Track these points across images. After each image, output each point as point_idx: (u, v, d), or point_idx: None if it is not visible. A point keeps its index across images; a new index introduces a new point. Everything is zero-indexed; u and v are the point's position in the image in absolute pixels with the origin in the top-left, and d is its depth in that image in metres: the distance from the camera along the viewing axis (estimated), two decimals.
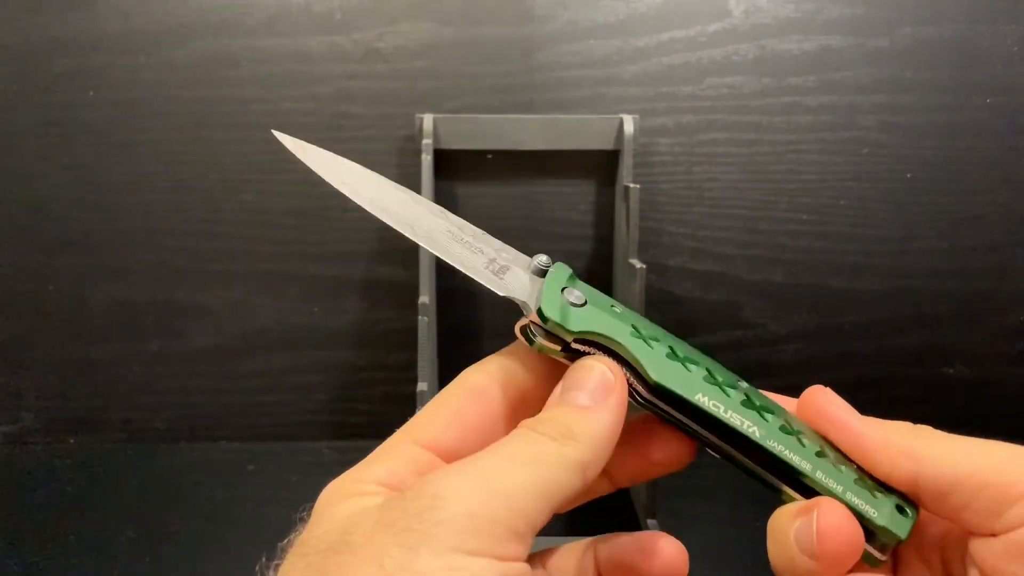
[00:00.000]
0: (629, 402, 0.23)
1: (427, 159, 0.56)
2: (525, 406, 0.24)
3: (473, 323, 0.64)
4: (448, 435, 0.23)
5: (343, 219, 0.62)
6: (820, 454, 0.23)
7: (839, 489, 0.23)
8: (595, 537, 0.26)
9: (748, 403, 0.24)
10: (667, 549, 0.25)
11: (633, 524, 0.53)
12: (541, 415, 0.23)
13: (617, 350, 0.24)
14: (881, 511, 0.23)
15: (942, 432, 0.23)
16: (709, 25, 0.60)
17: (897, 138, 0.62)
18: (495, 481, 0.20)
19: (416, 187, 0.58)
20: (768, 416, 0.24)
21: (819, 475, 0.23)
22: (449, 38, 0.60)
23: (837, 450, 0.24)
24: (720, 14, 0.60)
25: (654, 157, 0.62)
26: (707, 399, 0.23)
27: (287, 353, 0.64)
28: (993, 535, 0.22)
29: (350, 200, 0.25)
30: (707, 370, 0.24)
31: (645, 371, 0.23)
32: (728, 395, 0.24)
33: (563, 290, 0.24)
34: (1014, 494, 0.21)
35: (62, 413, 0.65)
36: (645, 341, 0.24)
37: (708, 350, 0.25)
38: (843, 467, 0.23)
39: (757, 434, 0.23)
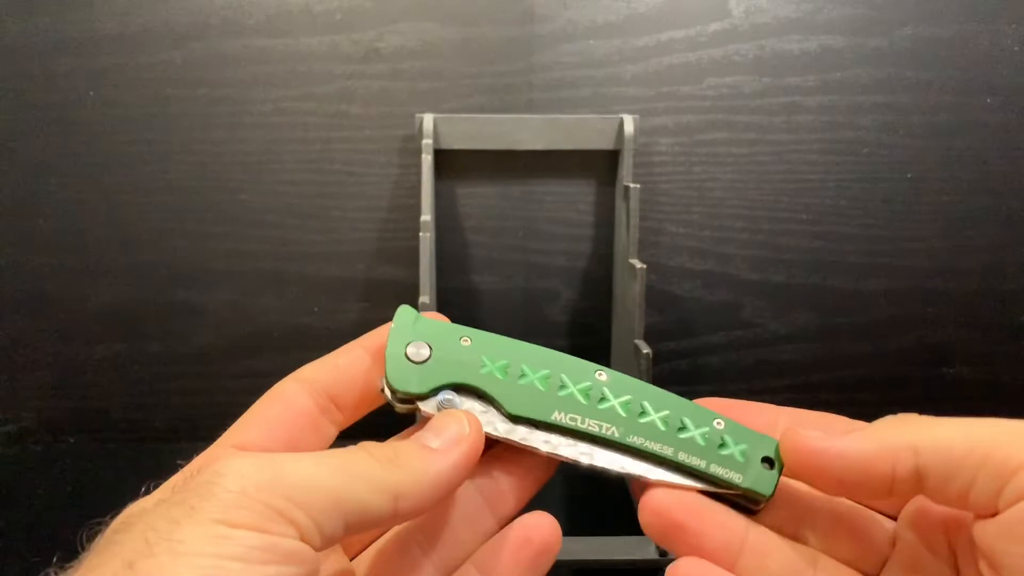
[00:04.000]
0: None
1: (427, 159, 0.55)
2: (334, 410, 0.26)
3: (473, 323, 0.64)
4: (253, 435, 0.24)
5: (343, 219, 0.62)
6: (681, 428, 0.24)
7: (701, 464, 0.24)
8: None
9: (604, 399, 0.25)
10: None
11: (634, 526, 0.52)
12: (386, 442, 0.24)
13: (473, 388, 0.25)
14: (747, 474, 0.24)
15: (931, 417, 0.23)
16: (709, 25, 0.60)
17: (897, 138, 0.62)
18: (287, 472, 0.20)
19: (416, 187, 0.58)
20: (625, 406, 0.25)
21: (681, 457, 0.24)
22: (449, 38, 0.60)
23: (701, 411, 0.25)
24: (720, 14, 0.60)
25: (654, 157, 0.62)
26: (563, 415, 0.25)
27: (287, 353, 0.64)
28: (995, 515, 0.21)
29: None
30: (560, 377, 0.25)
31: (502, 406, 0.25)
32: (586, 399, 0.25)
33: (407, 347, 0.25)
34: (1011, 467, 0.20)
35: (62, 413, 0.65)
36: (496, 372, 0.25)
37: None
38: (705, 435, 0.24)
39: (616, 434, 0.24)
